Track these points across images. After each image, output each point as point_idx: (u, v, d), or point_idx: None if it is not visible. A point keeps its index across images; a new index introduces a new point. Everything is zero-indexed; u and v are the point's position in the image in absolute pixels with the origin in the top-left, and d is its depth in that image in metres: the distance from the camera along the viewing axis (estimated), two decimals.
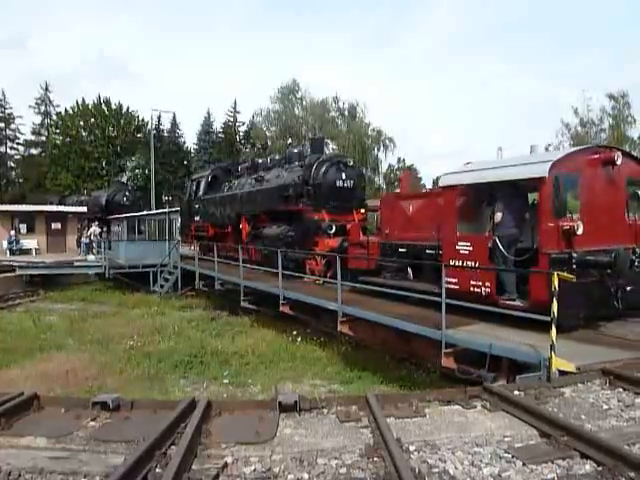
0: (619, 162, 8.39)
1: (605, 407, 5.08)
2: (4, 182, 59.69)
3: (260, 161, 20.94)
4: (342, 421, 4.90)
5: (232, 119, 65.64)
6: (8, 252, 26.97)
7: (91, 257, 24.01)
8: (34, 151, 60.50)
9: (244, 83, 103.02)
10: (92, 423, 4.94)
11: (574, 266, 7.60)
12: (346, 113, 53.90)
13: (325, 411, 5.17)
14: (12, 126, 60.18)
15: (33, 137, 60.39)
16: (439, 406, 5.25)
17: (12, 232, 27.86)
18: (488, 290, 8.51)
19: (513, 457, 4.02)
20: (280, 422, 4.89)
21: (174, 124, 65.19)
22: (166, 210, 27.26)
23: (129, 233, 25.81)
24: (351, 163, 16.53)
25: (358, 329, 10.55)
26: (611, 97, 50.05)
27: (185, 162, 64.10)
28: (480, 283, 8.67)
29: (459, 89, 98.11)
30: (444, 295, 8.12)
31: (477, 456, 4.07)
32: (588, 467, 3.84)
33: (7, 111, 59.37)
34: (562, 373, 6.00)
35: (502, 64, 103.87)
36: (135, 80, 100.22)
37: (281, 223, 16.34)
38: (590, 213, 8.31)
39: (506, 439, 4.40)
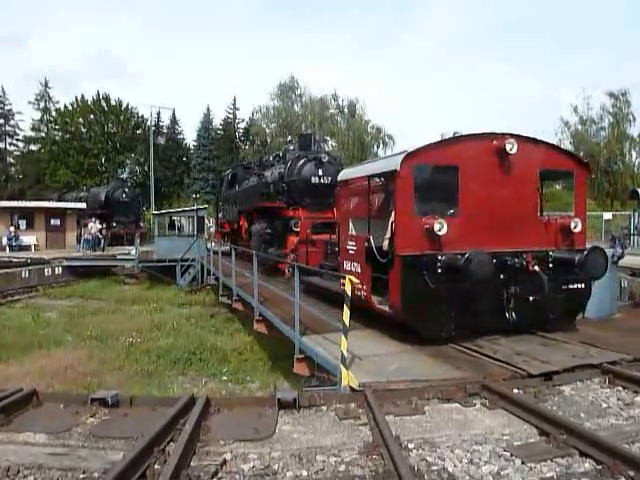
0: (513, 151, 7.32)
1: (604, 405, 5.09)
2: (3, 178, 59.56)
3: (265, 158, 21.06)
4: (341, 418, 4.90)
5: (231, 116, 65.55)
6: (7, 248, 26.95)
7: (133, 251, 24.70)
8: (33, 147, 60.36)
9: (243, 81, 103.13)
10: (91, 419, 4.94)
11: (439, 270, 6.89)
12: (345, 110, 53.83)
13: (324, 408, 5.16)
14: (11, 122, 60.09)
15: (32, 133, 60.26)
16: (438, 404, 5.24)
17: (11, 228, 27.82)
18: (365, 293, 7.98)
19: (512, 455, 4.02)
20: (279, 419, 4.89)
21: (173, 121, 65.16)
22: (194, 207, 27.91)
23: (159, 229, 26.53)
24: (326, 159, 15.63)
25: (273, 328, 9.72)
26: (611, 95, 50.09)
27: (184, 159, 64.02)
28: (360, 286, 7.96)
29: (459, 89, 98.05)
30: (297, 297, 7.55)
31: (476, 454, 4.07)
32: (587, 465, 3.84)
33: (7, 107, 59.31)
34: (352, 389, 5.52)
35: (502, 64, 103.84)
36: (135, 78, 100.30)
37: (263, 220, 16.40)
38: (475, 211, 7.32)
39: (505, 437, 4.41)
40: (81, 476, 3.78)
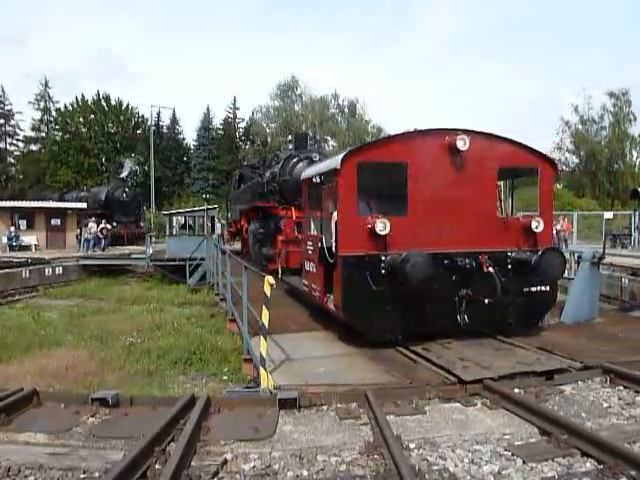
0: (464, 148, 7.03)
1: (605, 405, 5.08)
2: (4, 178, 59.55)
3: (269, 158, 21.15)
4: (342, 418, 4.90)
5: (232, 116, 65.53)
6: (8, 248, 26.94)
7: (149, 250, 25.07)
8: (34, 147, 60.37)
9: (244, 81, 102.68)
10: (91, 419, 4.93)
11: (383, 271, 6.73)
12: (346, 110, 53.85)
13: (325, 408, 5.16)
14: (12, 122, 60.05)
15: (33, 133, 60.26)
16: (439, 403, 5.24)
17: (12, 228, 27.81)
18: (318, 294, 7.94)
19: (513, 455, 4.02)
20: (280, 419, 4.88)
21: (174, 120, 65.11)
22: (204, 207, 28.28)
23: (170, 228, 26.94)
24: (317, 158, 15.16)
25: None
26: (612, 95, 50.08)
27: (184, 158, 64.02)
28: (314, 285, 8.01)
29: (459, 89, 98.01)
30: (245, 298, 7.39)
31: (477, 454, 4.07)
32: (589, 465, 3.84)
33: (7, 107, 59.28)
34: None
35: (502, 64, 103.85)
36: (135, 78, 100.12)
37: (257, 220, 16.50)
38: (425, 210, 7.10)
39: (506, 437, 4.40)
40: (82, 476, 3.78)
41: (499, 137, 7.53)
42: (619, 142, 50.07)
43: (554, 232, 24.82)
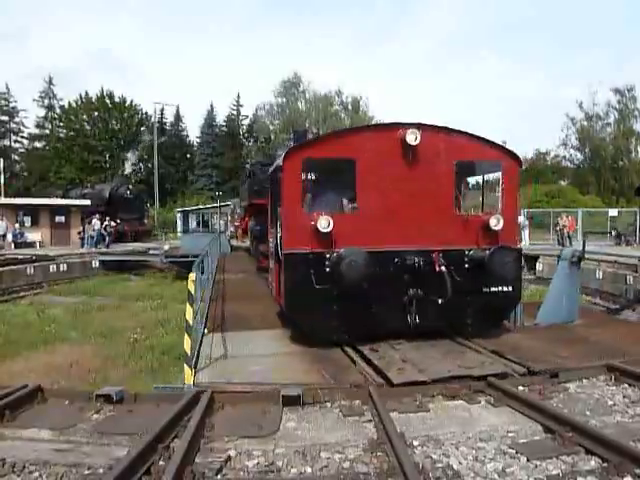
0: (415, 143, 6.76)
1: (610, 403, 5.06)
2: (8, 175, 59.75)
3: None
4: (345, 415, 4.89)
5: (235, 112, 65.54)
6: (12, 245, 27.03)
7: (166, 246, 25.63)
8: (38, 144, 60.53)
9: (247, 78, 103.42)
10: (96, 416, 4.95)
11: (327, 269, 6.55)
12: (349, 107, 53.75)
13: (328, 405, 5.16)
14: (16, 119, 60.26)
15: (37, 130, 60.47)
16: (443, 401, 5.23)
17: (16, 225, 27.90)
18: (274, 290, 7.88)
19: (517, 453, 4.00)
20: (283, 416, 4.88)
21: (177, 117, 65.17)
22: (216, 205, 28.50)
23: (184, 225, 27.21)
24: None
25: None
26: (617, 91, 49.80)
27: (188, 155, 64.07)
28: (273, 282, 7.90)
29: (459, 89, 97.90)
30: (198, 297, 7.42)
31: (481, 451, 4.06)
32: (593, 463, 3.82)
33: (11, 104, 59.41)
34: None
35: (502, 64, 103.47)
36: (138, 75, 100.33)
37: (255, 217, 16.63)
38: (375, 207, 6.89)
39: (510, 434, 4.39)
40: (86, 472, 3.79)
41: (457, 131, 7.27)
42: (624, 139, 49.81)
43: (557, 229, 24.95)
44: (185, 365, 5.75)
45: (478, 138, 7.38)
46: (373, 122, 51.08)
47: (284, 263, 6.83)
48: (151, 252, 26.50)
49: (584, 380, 5.72)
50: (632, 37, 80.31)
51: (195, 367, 6.01)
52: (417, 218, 6.95)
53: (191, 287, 5.95)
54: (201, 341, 7.42)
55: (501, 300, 7.25)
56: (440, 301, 6.81)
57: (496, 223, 7.15)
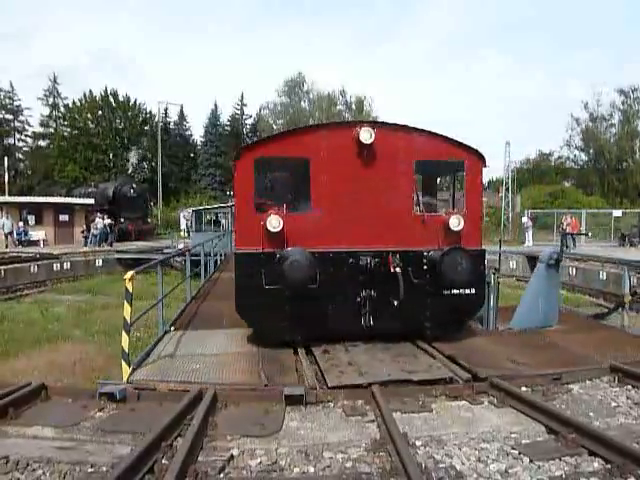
0: (369, 141, 6.61)
1: (614, 404, 5.05)
2: (12, 174, 59.94)
3: None
4: (348, 415, 4.90)
5: (239, 112, 65.56)
6: (17, 243, 27.13)
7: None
8: (42, 143, 60.63)
9: (250, 78, 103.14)
10: (99, 414, 4.96)
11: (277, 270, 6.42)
12: (353, 107, 53.73)
13: (331, 405, 5.16)
14: (20, 118, 60.33)
15: (41, 129, 60.50)
16: (446, 401, 5.23)
17: (20, 223, 27.99)
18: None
19: (520, 453, 4.00)
20: (286, 415, 4.89)
21: (181, 117, 65.21)
22: (225, 205, 28.71)
23: (197, 224, 27.35)
24: None
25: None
26: (621, 92, 49.62)
27: (192, 155, 64.15)
28: None
29: (459, 89, 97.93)
30: (161, 293, 7.68)
31: (484, 452, 4.05)
32: (596, 465, 3.81)
33: (16, 103, 59.56)
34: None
35: (502, 64, 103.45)
36: (142, 75, 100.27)
37: None
38: (330, 207, 6.77)
39: (513, 435, 4.38)
40: (89, 470, 3.80)
41: (417, 130, 7.11)
42: (628, 139, 49.61)
43: (560, 230, 24.86)
44: (122, 361, 5.85)
45: (440, 137, 7.22)
46: None
47: (235, 262, 6.81)
48: (165, 251, 26.62)
49: (587, 381, 5.72)
50: (632, 37, 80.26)
51: (140, 364, 6.21)
52: (373, 218, 6.83)
53: (129, 286, 5.99)
54: (161, 338, 7.62)
55: (463, 303, 7.02)
56: (396, 303, 6.64)
57: (457, 224, 6.90)
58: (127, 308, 5.95)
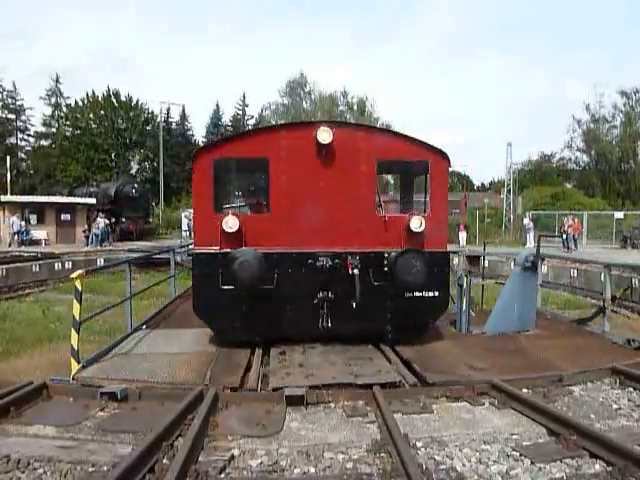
0: (326, 142, 6.53)
1: (615, 407, 5.04)
2: (14, 173, 60.00)
3: None
4: (349, 416, 4.89)
5: (241, 112, 65.70)
6: (19, 242, 27.20)
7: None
8: (44, 142, 60.70)
9: (252, 79, 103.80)
10: (100, 413, 4.97)
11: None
12: (355, 108, 53.75)
13: (332, 405, 5.16)
14: (23, 117, 60.45)
15: (43, 129, 60.60)
16: (447, 402, 5.22)
17: (22, 222, 28.04)
18: None
19: (521, 455, 4.00)
20: (287, 416, 4.89)
21: (183, 117, 65.30)
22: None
23: None
24: None
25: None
26: (623, 94, 49.59)
27: None
28: None
29: (459, 89, 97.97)
30: (129, 291, 8.01)
31: (485, 453, 4.05)
32: (597, 467, 3.81)
33: (18, 102, 59.66)
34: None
35: (502, 64, 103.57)
36: (142, 75, 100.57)
37: None
38: (289, 207, 6.72)
39: (514, 437, 4.38)
40: (90, 469, 3.81)
41: (379, 129, 7.03)
42: (630, 141, 49.55)
43: (562, 231, 24.83)
44: (71, 358, 5.95)
45: (404, 137, 7.14)
46: (379, 123, 51.09)
47: (194, 263, 6.82)
48: (177, 250, 26.88)
49: (589, 383, 5.71)
50: (632, 37, 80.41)
51: (96, 361, 6.33)
52: (333, 219, 6.76)
53: (78, 285, 6.08)
54: (127, 336, 7.77)
55: (425, 306, 6.87)
56: (355, 305, 6.53)
57: (418, 225, 6.78)
58: (76, 307, 6.05)
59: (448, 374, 5.84)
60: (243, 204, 6.92)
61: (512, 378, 5.60)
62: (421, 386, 5.59)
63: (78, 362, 5.97)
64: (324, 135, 6.53)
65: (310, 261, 6.60)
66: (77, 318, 6.04)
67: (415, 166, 7.62)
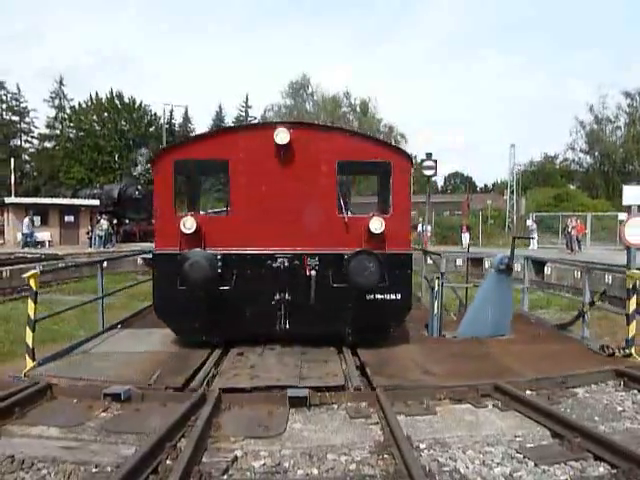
0: (283, 142, 6.51)
1: (619, 409, 5.02)
2: (18, 175, 60.24)
3: None
4: (352, 417, 4.89)
5: (244, 114, 65.81)
6: (22, 244, 27.29)
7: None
8: (48, 144, 60.93)
9: (254, 80, 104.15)
10: (103, 414, 4.98)
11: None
12: (357, 109, 53.76)
13: (335, 407, 5.16)
14: (27, 119, 60.74)
15: (47, 131, 60.85)
16: (450, 404, 5.21)
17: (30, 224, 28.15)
18: None
19: (525, 457, 3.98)
20: (290, 417, 4.89)
21: (186, 118, 65.50)
22: None
23: None
24: None
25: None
26: (627, 94, 49.47)
27: None
28: None
29: (459, 89, 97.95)
30: (101, 291, 8.17)
31: (488, 455, 4.04)
32: (602, 469, 3.80)
33: (22, 104, 59.94)
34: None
35: (502, 64, 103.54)
36: (143, 75, 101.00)
37: None
38: (249, 208, 6.75)
39: (518, 439, 4.37)
40: (94, 470, 3.82)
41: (340, 130, 6.96)
42: (634, 142, 49.41)
43: (566, 233, 24.75)
44: (26, 355, 6.08)
45: (365, 137, 7.14)
46: (382, 124, 51.11)
47: (154, 263, 6.90)
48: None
49: (593, 385, 5.69)
50: (632, 37, 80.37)
51: (55, 358, 6.48)
52: (292, 220, 6.72)
53: (33, 284, 6.18)
54: (96, 335, 7.88)
55: (386, 309, 6.75)
56: (311, 306, 6.48)
57: (377, 226, 6.66)
58: (31, 305, 6.15)
59: (398, 378, 5.75)
60: (203, 205, 6.93)
61: (513, 380, 5.56)
62: (370, 391, 5.43)
63: (33, 359, 6.11)
64: (281, 136, 6.51)
65: (268, 262, 6.59)
66: (32, 317, 6.18)
67: (377, 167, 7.56)
